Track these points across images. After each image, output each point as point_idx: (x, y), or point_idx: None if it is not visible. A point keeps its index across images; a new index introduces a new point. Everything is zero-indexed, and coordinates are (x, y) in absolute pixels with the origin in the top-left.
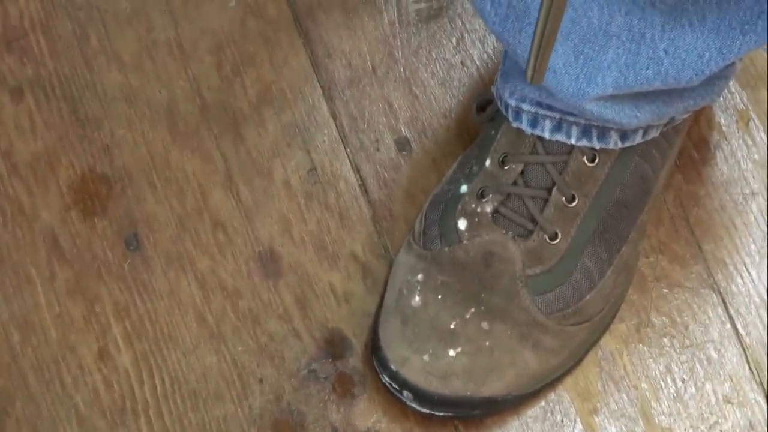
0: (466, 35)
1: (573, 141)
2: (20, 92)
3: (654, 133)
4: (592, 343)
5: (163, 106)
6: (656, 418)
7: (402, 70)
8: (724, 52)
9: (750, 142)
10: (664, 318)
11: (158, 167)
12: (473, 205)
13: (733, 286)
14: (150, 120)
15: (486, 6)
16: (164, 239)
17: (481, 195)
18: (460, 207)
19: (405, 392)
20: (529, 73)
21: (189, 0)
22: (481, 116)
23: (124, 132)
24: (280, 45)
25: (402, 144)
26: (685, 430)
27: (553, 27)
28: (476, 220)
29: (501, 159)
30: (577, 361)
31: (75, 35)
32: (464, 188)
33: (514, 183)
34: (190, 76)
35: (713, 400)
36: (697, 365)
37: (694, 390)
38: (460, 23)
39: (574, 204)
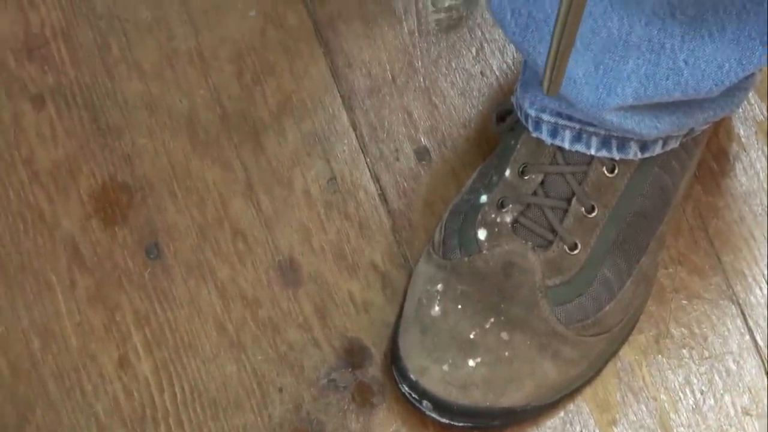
0: (486, 45)
1: (593, 151)
2: (41, 100)
3: (673, 144)
4: (612, 353)
5: (183, 115)
6: (675, 430)
7: (422, 79)
8: (744, 62)
9: None
10: (683, 329)
11: (179, 176)
12: (493, 215)
13: (752, 298)
14: (170, 129)
15: (506, 16)
16: (184, 248)
17: (501, 205)
18: (479, 217)
19: (424, 402)
20: (546, 84)
21: (209, 9)
22: (500, 126)
23: (144, 141)
24: (300, 54)
25: (421, 154)
26: None
27: (569, 38)
28: (496, 230)
29: (521, 169)
30: (597, 371)
31: (96, 44)
32: (484, 198)
33: (534, 193)
34: (211, 85)
35: (732, 412)
36: (716, 377)
37: (713, 401)
38: (479, 33)
39: (593, 215)
